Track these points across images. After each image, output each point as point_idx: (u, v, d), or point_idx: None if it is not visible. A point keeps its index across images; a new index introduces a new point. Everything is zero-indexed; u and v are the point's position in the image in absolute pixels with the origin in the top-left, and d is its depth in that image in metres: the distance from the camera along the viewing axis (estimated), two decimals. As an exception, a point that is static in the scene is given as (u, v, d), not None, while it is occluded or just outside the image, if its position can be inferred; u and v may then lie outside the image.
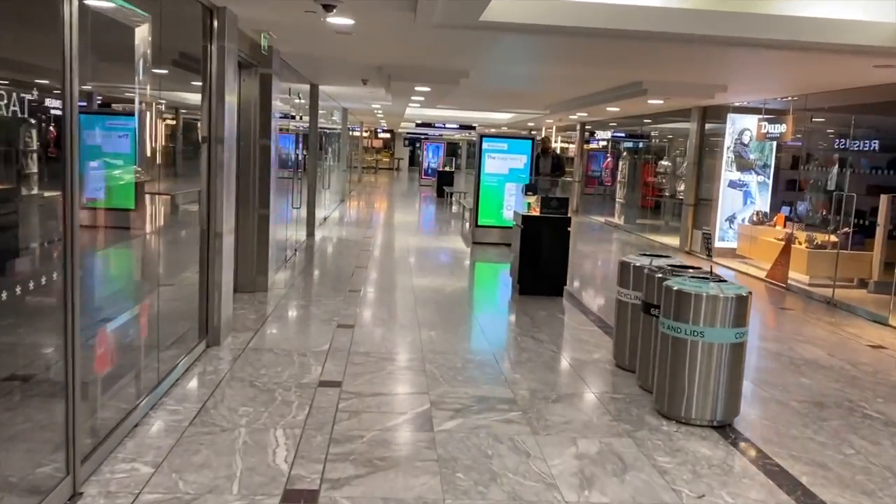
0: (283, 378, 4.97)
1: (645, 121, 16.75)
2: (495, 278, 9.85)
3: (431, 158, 31.13)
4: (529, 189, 8.31)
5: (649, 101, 10.39)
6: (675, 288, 4.59)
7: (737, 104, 11.75)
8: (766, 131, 11.13)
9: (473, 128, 28.93)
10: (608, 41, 6.17)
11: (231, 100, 5.78)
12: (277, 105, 8.02)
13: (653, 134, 16.51)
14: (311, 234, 12.39)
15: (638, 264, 5.52)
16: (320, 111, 14.28)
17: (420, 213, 19.31)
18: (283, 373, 5.08)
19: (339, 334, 6.14)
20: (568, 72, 8.78)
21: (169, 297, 5.82)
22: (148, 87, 4.24)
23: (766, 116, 11.21)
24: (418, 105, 14.52)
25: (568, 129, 24.56)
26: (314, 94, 12.19)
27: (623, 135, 19.34)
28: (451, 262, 10.62)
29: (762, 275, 10.62)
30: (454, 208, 20.29)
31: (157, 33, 4.35)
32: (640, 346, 5.25)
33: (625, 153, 18.40)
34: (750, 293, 4.58)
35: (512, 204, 12.50)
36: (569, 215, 8.21)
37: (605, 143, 20.29)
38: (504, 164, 12.47)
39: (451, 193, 22.18)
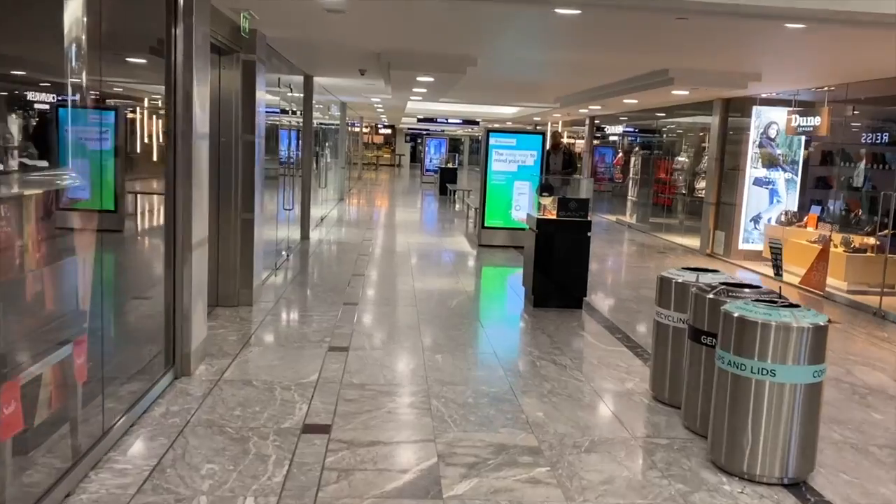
0: (261, 421, 4.14)
1: (658, 114, 15.89)
2: (505, 287, 9.01)
3: (434, 154, 30.30)
4: (545, 189, 7.47)
5: (673, 92, 9.53)
6: (737, 314, 3.75)
7: (764, 96, 10.90)
8: (796, 125, 10.28)
9: (477, 123, 28.05)
10: (633, 18, 5.34)
11: (203, 89, 4.94)
12: (264, 96, 7.18)
13: (668, 128, 15.65)
14: (305, 236, 11.56)
15: (681, 281, 4.69)
16: (317, 105, 13.45)
17: (422, 213, 18.48)
18: (261, 413, 4.25)
19: (330, 360, 5.31)
20: (586, 58, 7.93)
21: (141, 313, 5.01)
22: (84, 74, 3.39)
23: (796, 109, 10.36)
24: (420, 98, 13.68)
25: (575, 124, 23.70)
26: (308, 87, 11.35)
27: (634, 129, 18.49)
28: (457, 268, 9.79)
29: (794, 280, 9.77)
30: (457, 206, 19.46)
31: (97, 9, 3.52)
32: (687, 380, 4.41)
33: (637, 148, 17.55)
34: (829, 321, 3.74)
35: (521, 204, 11.66)
36: (589, 218, 7.37)
37: (616, 137, 19.43)
38: (513, 161, 11.62)
39: (455, 191, 21.35)
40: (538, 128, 24.38)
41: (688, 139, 14.35)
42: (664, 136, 16.08)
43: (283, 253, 9.42)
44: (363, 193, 22.92)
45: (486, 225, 11.73)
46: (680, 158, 14.27)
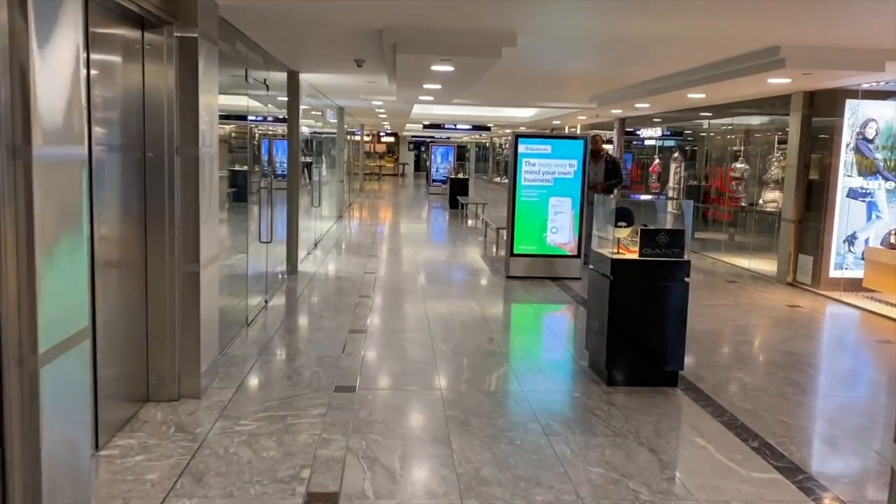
0: None
1: (703, 114, 13.69)
2: (557, 349, 6.74)
3: (440, 163, 28.11)
4: (622, 217, 5.25)
5: (771, 81, 7.29)
6: None
7: (865, 86, 8.68)
8: (915, 121, 8.07)
9: (488, 128, 25.91)
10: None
11: (59, 70, 2.74)
12: (214, 96, 4.99)
13: (721, 129, 13.41)
14: (293, 269, 9.36)
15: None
16: (311, 111, 11.28)
17: (432, 232, 16.25)
18: None
19: (306, 531, 3.10)
20: (666, 31, 5.72)
21: None
22: None
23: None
24: (431, 98, 11.48)
25: (595, 127, 21.49)
26: (293, 85, 9.16)
27: (671, 132, 16.30)
28: (486, 315, 7.56)
29: (924, 323, 7.55)
30: (470, 222, 17.27)
31: None
32: None
33: (676, 153, 15.33)
34: None
35: (559, 225, 9.46)
36: (686, 258, 5.15)
37: (652, 141, 17.21)
38: (548, 173, 9.41)
39: (466, 205, 19.16)
40: (553, 131, 22.18)
41: (749, 142, 12.13)
42: (713, 138, 13.86)
43: (258, 302, 7.21)
44: (365, 208, 20.72)
45: (514, 252, 9.51)
46: (738, 165, 12.03)
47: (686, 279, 5.12)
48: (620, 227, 5.23)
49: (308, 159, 11.08)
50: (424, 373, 5.37)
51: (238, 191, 6.57)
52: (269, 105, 7.77)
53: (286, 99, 9.03)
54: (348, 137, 20.08)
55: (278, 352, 5.87)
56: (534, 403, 4.80)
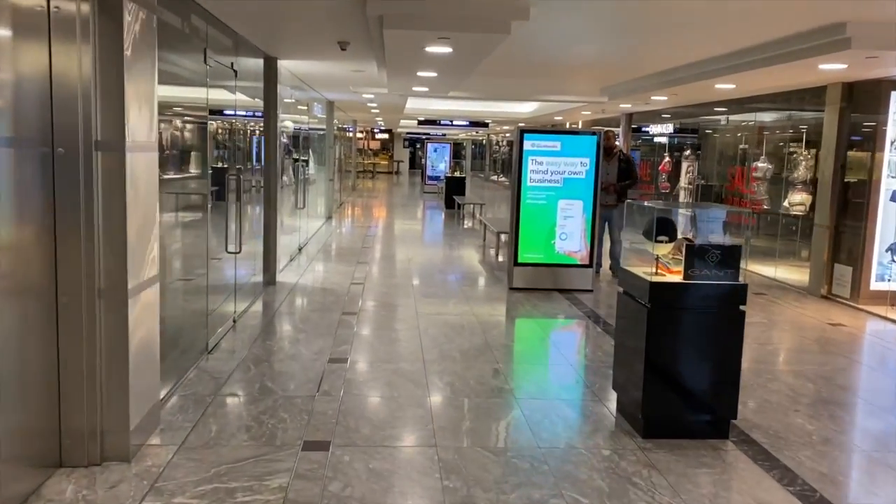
0: None
1: (718, 109, 12.71)
2: (576, 384, 5.70)
3: (436, 160, 27.08)
4: (662, 230, 4.23)
5: (823, 67, 6.28)
6: None
7: (917, 75, 7.71)
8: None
9: (486, 125, 24.90)
10: None
11: None
12: (152, 80, 3.97)
13: (740, 125, 12.41)
14: (271, 280, 8.35)
15: None
16: (298, 105, 10.26)
17: (427, 233, 15.24)
18: None
19: None
20: (711, 4, 4.72)
21: None
22: None
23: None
24: (426, 90, 10.45)
25: (597, 124, 20.50)
26: (271, 73, 8.13)
27: (678, 129, 15.30)
28: (487, 336, 6.56)
29: None
30: (468, 223, 16.27)
31: None
32: None
33: (688, 151, 14.34)
34: None
35: (569, 231, 8.46)
36: (742, 280, 4.16)
37: (663, 139, 16.21)
38: (556, 173, 8.41)
39: (463, 205, 18.14)
40: (554, 126, 21.15)
41: (771, 139, 11.14)
42: (730, 135, 12.87)
43: (221, 325, 6.18)
44: (356, 208, 19.68)
45: (519, 261, 8.50)
46: (761, 164, 11.02)
47: (742, 307, 4.13)
48: (662, 241, 4.22)
49: (293, 156, 10.08)
50: (416, 421, 4.37)
51: (199, 195, 5.56)
52: (239, 94, 6.74)
53: (263, 89, 8.01)
54: (339, 133, 19.05)
55: (239, 390, 4.85)
56: (554, 467, 3.79)
